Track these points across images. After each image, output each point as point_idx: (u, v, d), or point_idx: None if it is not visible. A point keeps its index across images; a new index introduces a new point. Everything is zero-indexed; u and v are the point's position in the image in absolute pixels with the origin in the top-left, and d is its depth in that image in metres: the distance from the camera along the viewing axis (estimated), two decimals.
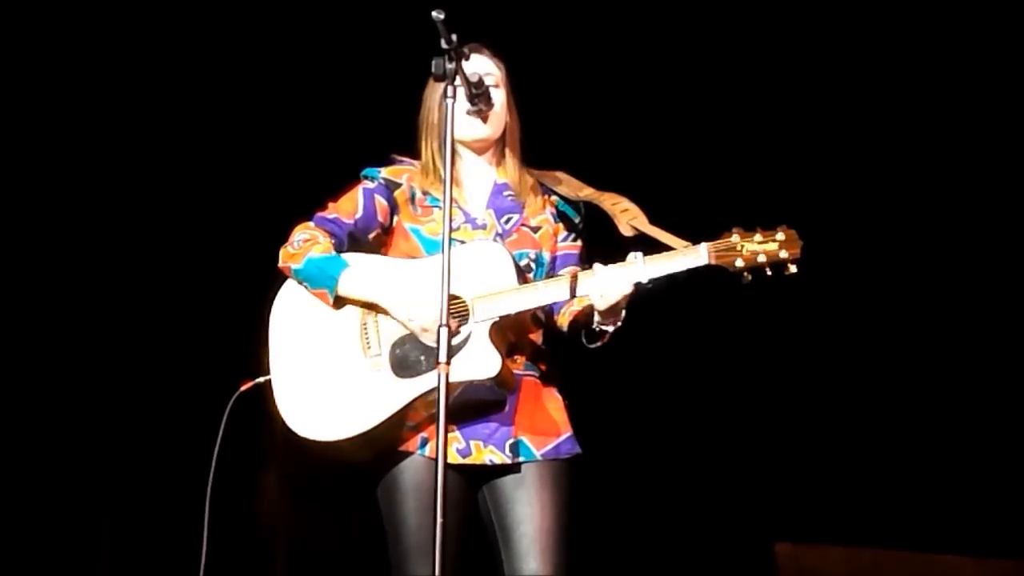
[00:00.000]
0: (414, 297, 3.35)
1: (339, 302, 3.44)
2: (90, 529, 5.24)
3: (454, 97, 3.17)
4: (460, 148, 3.54)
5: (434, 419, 3.20)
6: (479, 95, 3.34)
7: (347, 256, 3.46)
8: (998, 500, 5.12)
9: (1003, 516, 5.08)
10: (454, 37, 3.09)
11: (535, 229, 3.54)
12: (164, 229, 5.28)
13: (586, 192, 3.53)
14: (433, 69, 3.16)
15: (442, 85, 3.23)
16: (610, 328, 3.36)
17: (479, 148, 3.56)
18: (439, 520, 2.95)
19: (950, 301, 5.21)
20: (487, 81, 3.42)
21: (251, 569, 5.25)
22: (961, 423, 5.20)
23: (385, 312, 3.40)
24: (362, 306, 3.43)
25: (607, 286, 3.27)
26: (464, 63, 3.18)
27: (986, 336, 5.22)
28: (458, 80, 3.18)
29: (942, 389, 5.21)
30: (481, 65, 3.49)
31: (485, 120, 3.47)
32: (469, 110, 3.41)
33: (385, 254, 3.55)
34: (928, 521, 5.09)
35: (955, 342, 5.22)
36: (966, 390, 5.21)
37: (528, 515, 3.38)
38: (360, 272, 3.42)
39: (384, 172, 3.57)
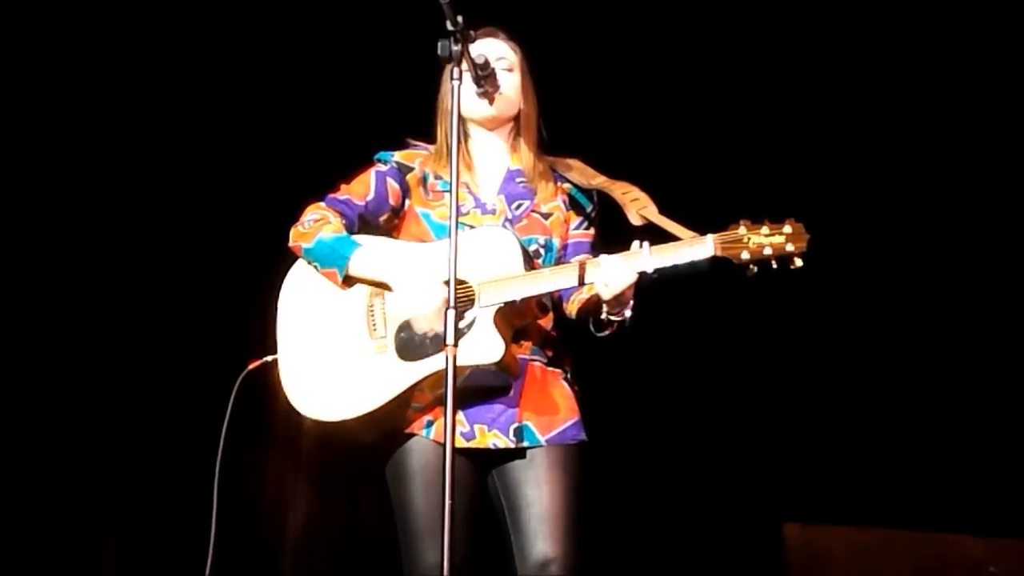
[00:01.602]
0: (421, 281, 3.35)
1: (348, 282, 3.44)
2: (99, 507, 5.25)
3: (460, 79, 3.17)
4: (474, 132, 3.56)
5: (440, 401, 3.23)
6: (485, 77, 3.36)
7: (358, 237, 3.47)
8: (1008, 480, 5.11)
9: (1013, 496, 5.07)
10: (460, 19, 3.09)
11: (546, 216, 3.54)
12: (179, 209, 5.27)
13: (598, 180, 3.53)
14: (439, 51, 3.17)
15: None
16: (617, 317, 3.36)
17: (489, 127, 3.56)
18: (447, 503, 2.95)
19: (956, 285, 5.19)
20: (499, 65, 3.45)
21: (259, 548, 5.27)
22: (969, 402, 5.19)
23: (393, 292, 3.40)
24: (371, 285, 3.44)
25: (611, 275, 3.27)
26: (471, 45, 3.19)
27: (996, 317, 5.20)
28: (464, 62, 3.18)
29: (949, 369, 5.19)
30: (492, 48, 3.50)
31: (491, 102, 3.47)
32: (476, 92, 3.41)
33: (396, 238, 3.56)
34: (937, 501, 5.08)
35: (963, 323, 5.20)
36: (973, 370, 5.19)
37: (537, 497, 3.39)
38: (371, 253, 3.42)
39: (397, 156, 3.58)
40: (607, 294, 3.29)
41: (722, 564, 5.22)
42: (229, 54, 5.22)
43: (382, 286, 3.42)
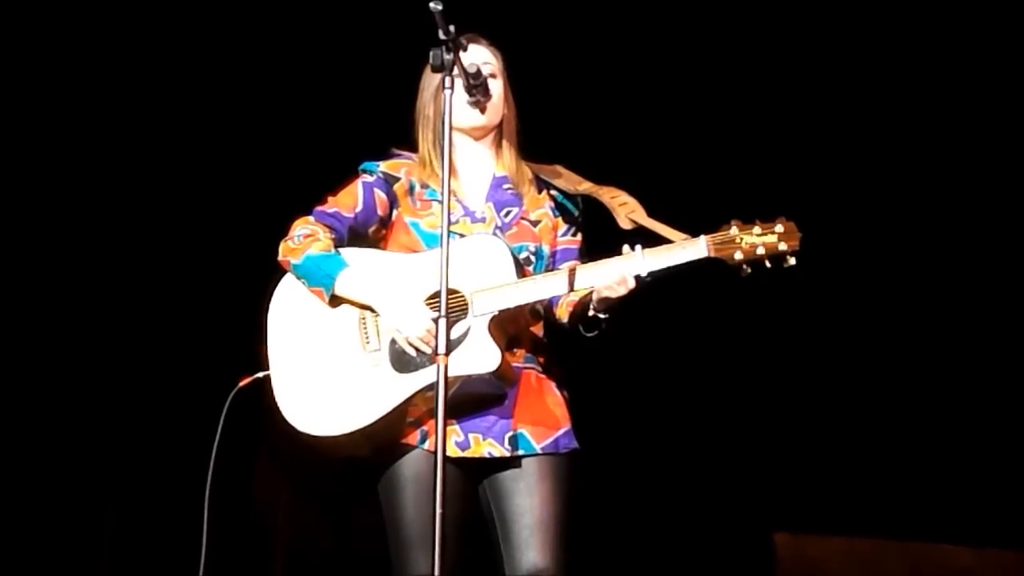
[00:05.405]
0: (406, 303, 3.34)
1: (335, 301, 3.42)
2: (91, 524, 5.24)
3: (452, 88, 3.16)
4: (458, 139, 3.52)
5: (433, 413, 3.21)
6: (477, 86, 3.33)
7: (346, 254, 3.45)
8: (998, 490, 5.12)
9: (1002, 506, 5.09)
10: (452, 28, 3.09)
11: (535, 223, 3.53)
12: (165, 224, 5.27)
13: (584, 186, 3.52)
14: (431, 60, 3.16)
15: (438, 76, 3.24)
16: (605, 315, 3.34)
17: (477, 136, 3.55)
18: (439, 512, 2.95)
19: (949, 292, 5.21)
20: (484, 71, 3.41)
21: (250, 564, 5.25)
22: (960, 413, 5.20)
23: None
24: (358, 307, 3.43)
25: (608, 281, 3.27)
26: (462, 54, 3.18)
27: (987, 326, 5.22)
28: (456, 71, 3.17)
29: (941, 379, 5.21)
30: (479, 55, 3.48)
31: (483, 111, 3.45)
32: (468, 101, 3.40)
33: (384, 248, 3.54)
34: (927, 511, 5.09)
35: (955, 332, 5.22)
36: (965, 379, 5.21)
37: (528, 507, 3.37)
38: (358, 273, 3.41)
39: (383, 166, 3.56)
40: (611, 293, 3.28)
41: (712, 573, 5.22)
42: (215, 69, 5.24)
43: (368, 308, 3.41)
